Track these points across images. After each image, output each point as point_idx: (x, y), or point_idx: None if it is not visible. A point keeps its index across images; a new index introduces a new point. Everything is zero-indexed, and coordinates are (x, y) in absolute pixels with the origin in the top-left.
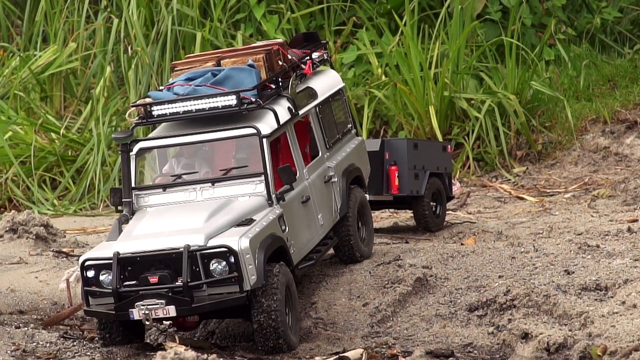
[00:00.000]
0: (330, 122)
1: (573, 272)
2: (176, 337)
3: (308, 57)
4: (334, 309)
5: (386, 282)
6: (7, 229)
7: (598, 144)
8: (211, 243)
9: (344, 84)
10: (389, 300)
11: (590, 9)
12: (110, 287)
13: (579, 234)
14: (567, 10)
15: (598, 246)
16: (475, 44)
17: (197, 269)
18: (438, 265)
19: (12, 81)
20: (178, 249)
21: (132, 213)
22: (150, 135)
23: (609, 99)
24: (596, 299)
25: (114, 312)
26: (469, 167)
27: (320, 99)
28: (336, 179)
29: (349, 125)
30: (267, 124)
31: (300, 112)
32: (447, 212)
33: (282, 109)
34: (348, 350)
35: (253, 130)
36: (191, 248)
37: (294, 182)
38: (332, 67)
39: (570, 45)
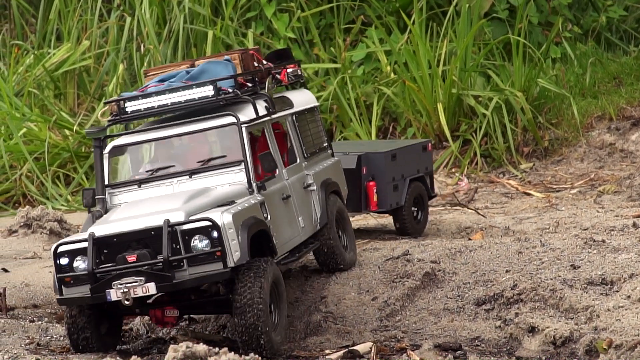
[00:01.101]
0: (307, 135)
1: (579, 267)
2: (188, 331)
3: (283, 67)
4: (344, 303)
5: (395, 277)
6: (22, 224)
7: (604, 141)
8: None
9: (318, 104)
10: (398, 295)
11: (596, 7)
12: (86, 271)
13: (585, 229)
14: (573, 9)
15: (604, 241)
16: (482, 42)
17: (178, 247)
18: (446, 260)
19: (27, 78)
20: (157, 226)
21: (106, 211)
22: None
23: (614, 96)
24: (602, 293)
25: (89, 296)
26: (476, 164)
27: (296, 109)
28: (315, 188)
29: (325, 144)
30: (245, 115)
31: (277, 114)
32: (454, 208)
33: (260, 105)
34: (357, 344)
35: (232, 119)
36: (171, 222)
37: (275, 169)
38: (306, 87)
39: (576, 43)
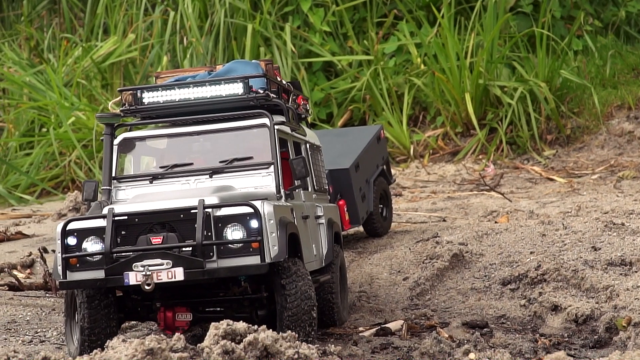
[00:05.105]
0: (317, 170)
1: (600, 249)
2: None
3: (299, 94)
4: (376, 282)
5: (425, 258)
6: (70, 208)
7: (623, 129)
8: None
9: (321, 146)
10: (428, 275)
11: (615, 2)
12: (98, 253)
13: (605, 213)
14: (594, 4)
15: (623, 224)
16: (508, 35)
17: (209, 234)
18: (473, 242)
19: (75, 70)
20: (189, 207)
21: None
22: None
23: (633, 87)
24: (621, 274)
25: (103, 278)
26: (502, 151)
27: (309, 139)
28: (323, 222)
29: (326, 187)
30: (276, 118)
31: (299, 135)
32: (485, 191)
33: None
34: (389, 322)
35: (266, 119)
36: (207, 204)
37: (306, 177)
38: (308, 126)
39: (597, 36)
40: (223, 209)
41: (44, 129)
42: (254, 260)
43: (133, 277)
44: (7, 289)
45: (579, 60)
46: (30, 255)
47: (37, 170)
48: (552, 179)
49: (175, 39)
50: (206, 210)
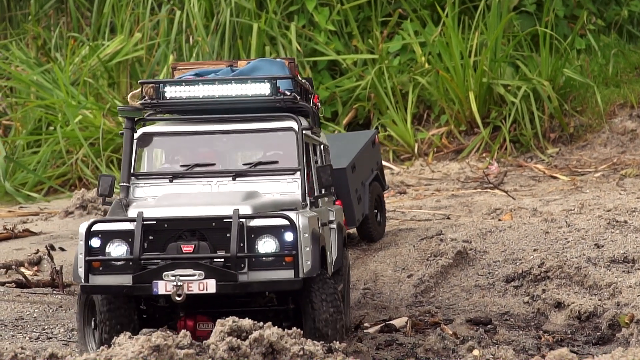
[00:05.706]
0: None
1: (602, 246)
2: None
3: (315, 93)
4: (381, 280)
5: (429, 255)
6: (77, 205)
7: (626, 127)
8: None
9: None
10: (432, 272)
11: (618, 1)
12: (123, 257)
13: (608, 211)
14: (597, 3)
15: (626, 222)
16: (511, 34)
17: (242, 245)
18: (477, 240)
19: (82, 69)
20: (223, 216)
21: (128, 203)
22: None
23: (635, 85)
24: (624, 271)
25: (131, 285)
26: (505, 149)
27: (323, 140)
28: (334, 227)
29: (333, 189)
30: (302, 122)
31: (318, 138)
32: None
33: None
34: (394, 318)
35: (293, 123)
36: (242, 214)
37: (332, 185)
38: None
39: (599, 35)
40: (256, 219)
41: (51, 128)
42: (288, 274)
43: (162, 287)
44: (14, 286)
45: (582, 59)
46: (37, 252)
47: (44, 168)
48: (555, 177)
49: (181, 38)
50: (240, 220)
